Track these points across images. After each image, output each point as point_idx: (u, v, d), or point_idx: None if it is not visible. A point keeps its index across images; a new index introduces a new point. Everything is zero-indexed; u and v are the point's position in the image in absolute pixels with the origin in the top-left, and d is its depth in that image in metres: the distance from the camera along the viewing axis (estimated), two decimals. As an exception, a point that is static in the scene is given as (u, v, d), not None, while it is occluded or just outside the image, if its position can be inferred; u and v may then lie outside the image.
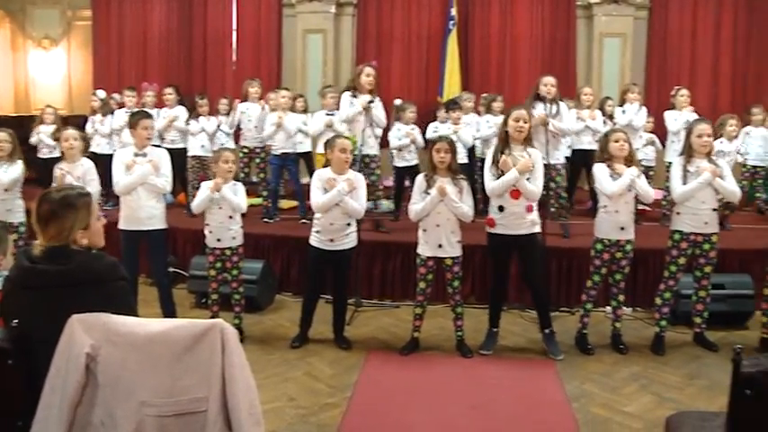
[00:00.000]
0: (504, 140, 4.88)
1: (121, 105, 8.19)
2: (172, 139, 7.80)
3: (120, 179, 5.03)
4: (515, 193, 4.78)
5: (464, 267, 5.12)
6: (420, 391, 4.42)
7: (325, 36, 10.22)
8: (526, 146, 4.89)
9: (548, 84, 6.28)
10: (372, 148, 6.58)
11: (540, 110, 6.06)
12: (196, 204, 5.15)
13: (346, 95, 6.31)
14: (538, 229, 5.00)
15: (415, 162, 7.39)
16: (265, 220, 7.19)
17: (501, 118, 7.59)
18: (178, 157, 7.10)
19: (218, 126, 7.83)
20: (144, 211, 5.05)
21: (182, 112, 7.90)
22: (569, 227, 6.48)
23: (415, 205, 4.88)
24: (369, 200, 5.74)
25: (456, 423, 3.99)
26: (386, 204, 7.55)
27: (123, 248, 5.08)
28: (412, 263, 5.23)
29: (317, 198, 4.89)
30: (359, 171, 5.41)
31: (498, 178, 4.79)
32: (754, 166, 7.76)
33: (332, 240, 4.96)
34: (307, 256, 5.24)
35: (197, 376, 2.29)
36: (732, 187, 4.94)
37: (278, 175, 7.54)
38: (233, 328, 2.35)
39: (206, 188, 5.08)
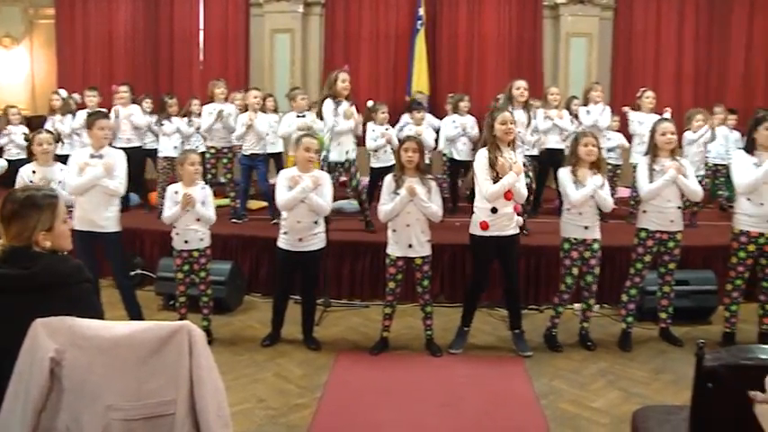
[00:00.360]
0: (494, 144, 4.89)
1: (83, 106, 8.04)
2: (128, 137, 7.68)
3: (70, 180, 4.93)
4: (508, 195, 4.79)
5: (433, 267, 5.14)
6: (390, 390, 4.43)
7: (293, 36, 10.19)
8: (512, 147, 4.93)
9: (521, 87, 6.41)
10: (354, 151, 6.59)
11: (519, 115, 6.19)
12: (167, 217, 5.06)
13: (329, 103, 6.29)
14: (518, 229, 5.02)
15: (391, 163, 7.41)
16: (234, 220, 7.14)
17: (468, 118, 7.71)
18: (135, 156, 6.95)
19: (198, 129, 7.74)
20: (97, 213, 4.97)
21: (136, 110, 7.78)
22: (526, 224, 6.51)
23: (385, 206, 4.88)
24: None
25: (426, 421, 4.01)
26: (354, 204, 7.55)
27: (78, 249, 5.00)
28: (381, 263, 5.23)
29: (281, 196, 4.87)
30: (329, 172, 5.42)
31: (495, 182, 4.78)
32: (716, 165, 7.90)
33: (300, 240, 4.94)
34: (275, 257, 5.22)
35: (164, 379, 2.27)
36: (694, 186, 5.03)
37: (247, 176, 7.49)
38: (200, 330, 2.33)
39: (174, 200, 5.01)
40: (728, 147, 7.78)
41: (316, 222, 4.98)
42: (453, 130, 7.67)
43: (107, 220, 5.00)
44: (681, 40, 10.29)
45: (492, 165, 4.78)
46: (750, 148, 5.01)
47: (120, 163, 5.04)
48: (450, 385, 4.52)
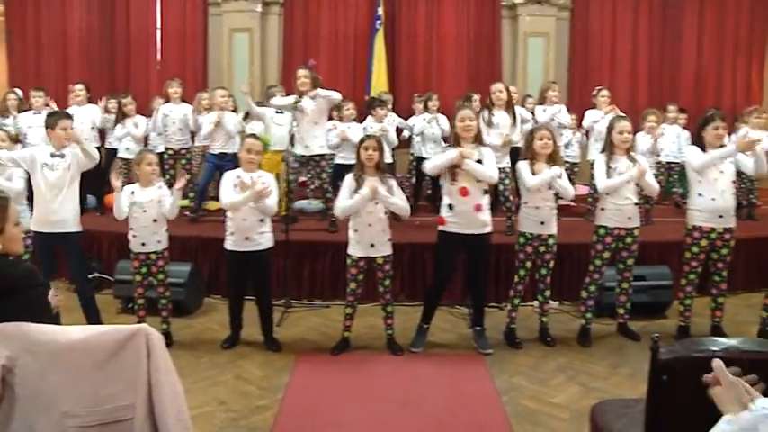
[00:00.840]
0: (456, 142, 4.92)
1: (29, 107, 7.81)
2: (86, 138, 7.52)
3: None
4: (463, 191, 4.81)
5: (394, 266, 5.14)
6: (351, 390, 4.43)
7: (252, 35, 10.12)
8: (476, 145, 4.94)
9: (496, 91, 6.58)
10: (323, 147, 6.57)
11: (502, 118, 6.37)
12: (119, 212, 5.00)
13: (290, 100, 6.34)
14: (489, 230, 5.00)
15: (352, 161, 7.40)
16: (187, 213, 7.05)
17: (439, 116, 7.75)
18: None
19: (149, 128, 7.63)
20: (55, 214, 4.89)
21: (94, 110, 7.65)
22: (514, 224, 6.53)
23: (342, 202, 4.88)
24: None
25: (387, 420, 4.01)
26: (314, 204, 7.53)
27: (36, 251, 4.92)
28: (342, 262, 5.23)
29: (227, 197, 4.86)
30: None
31: (453, 181, 4.83)
32: (669, 163, 8.07)
33: (247, 239, 4.92)
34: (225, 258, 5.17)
35: (122, 383, 2.24)
36: (655, 184, 5.18)
37: (211, 175, 7.39)
38: (158, 333, 2.31)
39: (129, 200, 4.95)
40: (681, 145, 7.94)
41: (262, 221, 4.96)
42: (425, 123, 7.71)
43: (66, 221, 4.92)
44: (635, 40, 10.48)
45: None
46: (701, 146, 5.12)
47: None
48: (411, 384, 4.53)
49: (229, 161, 7.29)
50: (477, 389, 4.47)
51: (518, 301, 5.28)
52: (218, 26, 10.29)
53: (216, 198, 7.93)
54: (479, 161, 4.83)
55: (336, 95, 6.59)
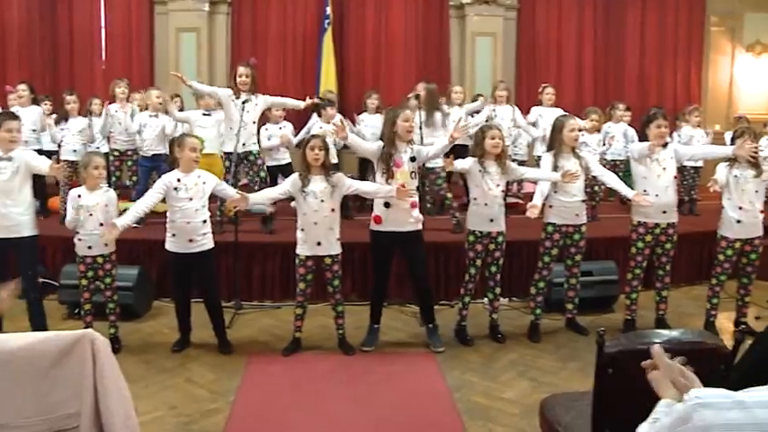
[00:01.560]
0: (392, 140, 4.94)
1: None
2: (25, 139, 7.32)
3: None
4: (402, 187, 4.84)
5: (344, 265, 5.14)
6: (303, 390, 4.41)
7: (199, 35, 9.98)
8: (409, 144, 5.01)
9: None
10: (255, 144, 6.52)
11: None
12: (70, 221, 4.91)
13: (227, 92, 6.25)
14: (420, 226, 5.08)
15: (285, 161, 7.41)
16: (134, 224, 6.86)
17: (376, 116, 7.76)
18: None
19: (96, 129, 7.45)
20: (7, 219, 4.75)
21: (37, 111, 7.44)
22: (463, 221, 6.59)
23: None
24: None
25: (340, 420, 4.01)
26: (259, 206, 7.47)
27: None
28: (291, 263, 5.20)
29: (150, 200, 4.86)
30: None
31: (390, 179, 4.87)
32: (614, 160, 8.21)
33: (191, 241, 4.87)
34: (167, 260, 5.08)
35: (67, 391, 2.20)
36: (605, 174, 5.37)
37: (148, 178, 7.24)
38: (104, 338, 2.27)
39: (76, 204, 4.86)
40: (626, 143, 8.09)
41: (204, 222, 4.92)
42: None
43: (19, 224, 4.78)
44: (581, 40, 10.67)
45: (386, 159, 4.89)
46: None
47: (35, 158, 4.91)
48: (363, 383, 4.54)
49: (163, 162, 7.18)
50: (428, 386, 4.50)
51: (468, 299, 5.32)
52: (165, 25, 10.11)
53: (163, 200, 7.83)
54: (413, 158, 4.94)
55: (291, 103, 6.78)
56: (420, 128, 6.09)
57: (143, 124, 7.02)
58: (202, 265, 4.97)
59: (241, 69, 6.23)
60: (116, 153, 7.19)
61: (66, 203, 5.29)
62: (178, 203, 4.84)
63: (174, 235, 4.90)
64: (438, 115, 6.94)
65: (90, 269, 4.98)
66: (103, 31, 10.28)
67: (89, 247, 4.92)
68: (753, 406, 1.09)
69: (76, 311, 5.54)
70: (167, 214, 4.95)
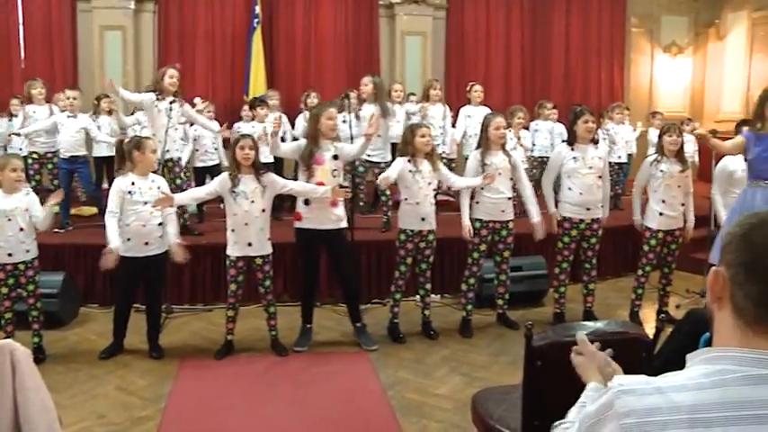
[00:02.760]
0: (315, 138, 4.93)
1: None
2: None
3: None
4: (320, 184, 4.86)
5: (275, 266, 5.10)
6: (237, 394, 4.34)
7: (125, 33, 9.68)
8: (333, 142, 5.02)
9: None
10: (178, 150, 6.39)
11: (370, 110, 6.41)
12: None
13: (151, 97, 6.07)
14: (344, 224, 5.09)
15: (212, 162, 7.35)
16: (56, 230, 6.58)
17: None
18: None
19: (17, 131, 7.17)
20: None
21: None
22: (392, 220, 6.57)
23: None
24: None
25: (275, 422, 3.96)
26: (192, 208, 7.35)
27: None
28: (222, 264, 5.12)
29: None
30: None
31: (310, 176, 4.88)
32: (541, 157, 8.38)
33: (147, 244, 4.79)
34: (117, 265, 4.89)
35: (-18, 403, 2.10)
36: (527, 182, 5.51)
37: (67, 181, 6.98)
38: (24, 348, 2.18)
39: None
40: (553, 140, 8.28)
41: (160, 224, 4.83)
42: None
43: None
44: (508, 40, 10.83)
45: (307, 157, 4.91)
46: (572, 140, 5.38)
47: None
48: (297, 384, 4.50)
49: (82, 164, 6.98)
50: (362, 385, 4.50)
51: (399, 296, 5.34)
52: (88, 23, 9.76)
53: (88, 203, 7.60)
54: (335, 156, 4.97)
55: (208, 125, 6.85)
56: (346, 122, 6.09)
57: (60, 124, 6.78)
58: (155, 268, 4.91)
59: (172, 71, 6.09)
60: (35, 156, 6.92)
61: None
62: (133, 207, 4.75)
63: (129, 239, 4.77)
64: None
65: (11, 276, 4.76)
66: (21, 28, 9.87)
67: (9, 254, 4.69)
68: (668, 390, 1.15)
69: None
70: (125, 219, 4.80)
